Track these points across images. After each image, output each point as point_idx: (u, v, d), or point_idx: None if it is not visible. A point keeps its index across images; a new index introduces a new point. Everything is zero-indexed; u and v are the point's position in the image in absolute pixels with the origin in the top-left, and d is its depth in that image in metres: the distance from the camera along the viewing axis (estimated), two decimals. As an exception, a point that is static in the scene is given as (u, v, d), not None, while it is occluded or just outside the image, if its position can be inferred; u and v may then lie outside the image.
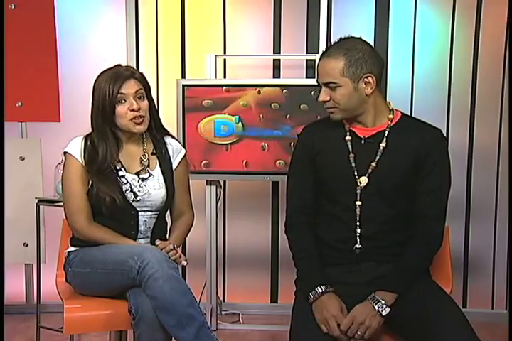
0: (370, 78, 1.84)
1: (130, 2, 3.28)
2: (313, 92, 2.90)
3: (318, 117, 2.82)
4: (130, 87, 2.05)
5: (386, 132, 1.90)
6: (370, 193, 1.88)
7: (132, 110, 2.04)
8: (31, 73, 3.16)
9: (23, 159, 3.19)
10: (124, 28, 3.31)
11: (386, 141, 1.89)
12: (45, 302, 2.98)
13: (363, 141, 1.91)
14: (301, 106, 2.94)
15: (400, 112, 1.97)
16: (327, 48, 1.88)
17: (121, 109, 2.05)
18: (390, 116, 1.92)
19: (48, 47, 3.17)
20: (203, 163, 3.01)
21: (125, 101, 2.05)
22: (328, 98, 1.87)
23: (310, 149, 1.96)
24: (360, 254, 1.89)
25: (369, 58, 1.83)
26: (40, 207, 2.91)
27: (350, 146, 1.91)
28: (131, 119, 2.06)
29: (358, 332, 1.76)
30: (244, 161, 3.00)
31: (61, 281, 2.20)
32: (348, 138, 1.92)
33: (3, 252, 2.82)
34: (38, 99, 3.18)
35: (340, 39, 1.89)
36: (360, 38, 1.89)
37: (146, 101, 2.10)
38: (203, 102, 2.98)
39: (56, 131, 3.21)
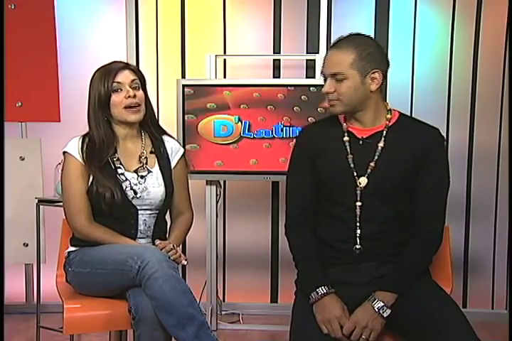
0: (377, 74, 1.84)
1: (130, 2, 3.28)
2: (302, 97, 2.92)
3: (309, 119, 2.83)
4: (125, 76, 2.07)
5: (384, 132, 1.90)
6: (369, 193, 1.88)
7: (128, 97, 2.06)
8: (31, 73, 3.16)
9: (23, 159, 3.19)
10: (124, 28, 3.31)
11: (384, 140, 1.89)
12: (45, 302, 2.98)
13: (361, 142, 1.91)
14: (295, 108, 2.94)
15: (398, 112, 1.97)
16: (337, 41, 1.89)
17: (116, 97, 2.06)
18: (388, 116, 1.93)
19: (48, 47, 3.17)
20: (216, 162, 3.00)
21: (121, 90, 2.06)
22: (332, 89, 1.85)
23: (309, 150, 1.96)
24: (360, 254, 1.89)
25: (378, 55, 1.85)
26: (40, 207, 2.91)
27: (348, 147, 1.91)
28: (125, 107, 2.06)
29: (363, 336, 1.76)
30: (253, 160, 2.99)
31: (61, 281, 2.20)
32: (346, 138, 1.92)
33: (3, 252, 2.82)
34: (38, 99, 3.18)
35: (351, 34, 1.90)
36: (370, 36, 1.92)
37: (141, 92, 2.11)
38: (203, 103, 2.97)
39: (56, 131, 3.21)
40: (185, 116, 2.98)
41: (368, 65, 1.83)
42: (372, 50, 1.84)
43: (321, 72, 1.90)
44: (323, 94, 1.90)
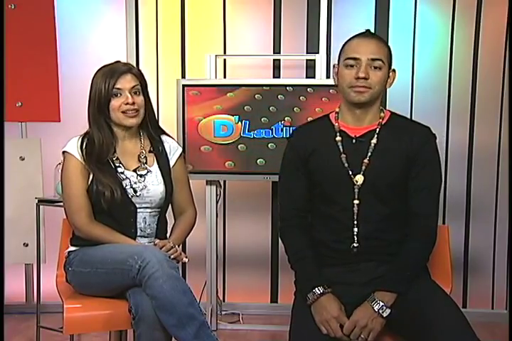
0: (392, 73, 1.92)
1: (130, 2, 3.29)
2: (301, 97, 2.92)
3: (309, 119, 2.83)
4: (126, 82, 2.07)
5: (377, 130, 1.92)
6: (367, 191, 1.88)
7: (127, 104, 2.06)
8: (31, 73, 3.16)
9: (23, 159, 3.19)
10: (124, 28, 3.31)
11: (377, 138, 1.90)
12: (45, 302, 2.98)
13: (354, 140, 1.92)
14: (295, 108, 2.94)
15: (389, 111, 1.99)
16: (364, 32, 1.91)
17: (115, 102, 2.07)
18: (382, 114, 1.95)
19: (48, 47, 3.17)
20: (227, 163, 2.99)
21: (120, 95, 2.07)
22: (368, 76, 1.85)
23: (302, 151, 1.96)
24: (357, 253, 1.88)
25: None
26: (40, 207, 2.91)
27: (341, 146, 1.92)
28: (123, 112, 2.07)
29: (362, 336, 1.76)
30: (261, 160, 2.98)
31: (61, 281, 2.20)
32: (338, 138, 1.93)
33: (3, 252, 2.82)
34: (38, 99, 3.18)
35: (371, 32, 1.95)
36: None
37: (141, 97, 2.11)
38: (210, 105, 2.96)
39: (56, 131, 3.21)
40: (185, 116, 2.97)
41: (390, 61, 1.90)
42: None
43: (353, 58, 1.85)
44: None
